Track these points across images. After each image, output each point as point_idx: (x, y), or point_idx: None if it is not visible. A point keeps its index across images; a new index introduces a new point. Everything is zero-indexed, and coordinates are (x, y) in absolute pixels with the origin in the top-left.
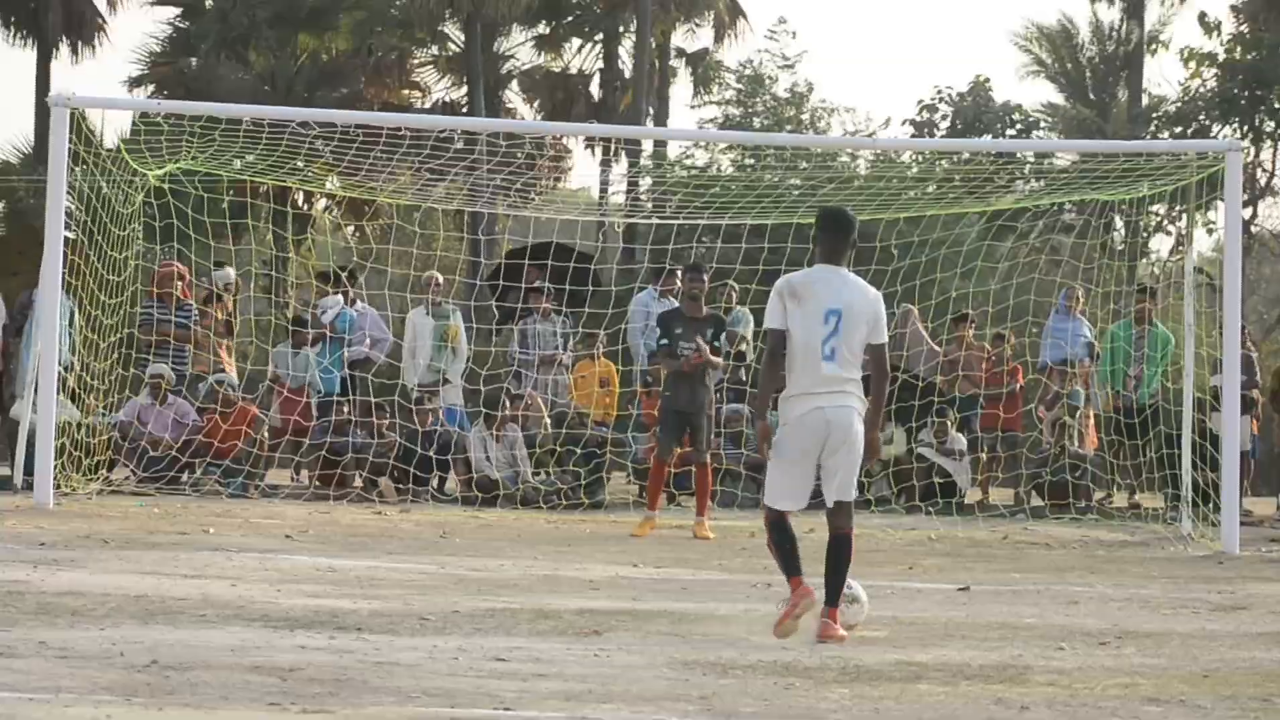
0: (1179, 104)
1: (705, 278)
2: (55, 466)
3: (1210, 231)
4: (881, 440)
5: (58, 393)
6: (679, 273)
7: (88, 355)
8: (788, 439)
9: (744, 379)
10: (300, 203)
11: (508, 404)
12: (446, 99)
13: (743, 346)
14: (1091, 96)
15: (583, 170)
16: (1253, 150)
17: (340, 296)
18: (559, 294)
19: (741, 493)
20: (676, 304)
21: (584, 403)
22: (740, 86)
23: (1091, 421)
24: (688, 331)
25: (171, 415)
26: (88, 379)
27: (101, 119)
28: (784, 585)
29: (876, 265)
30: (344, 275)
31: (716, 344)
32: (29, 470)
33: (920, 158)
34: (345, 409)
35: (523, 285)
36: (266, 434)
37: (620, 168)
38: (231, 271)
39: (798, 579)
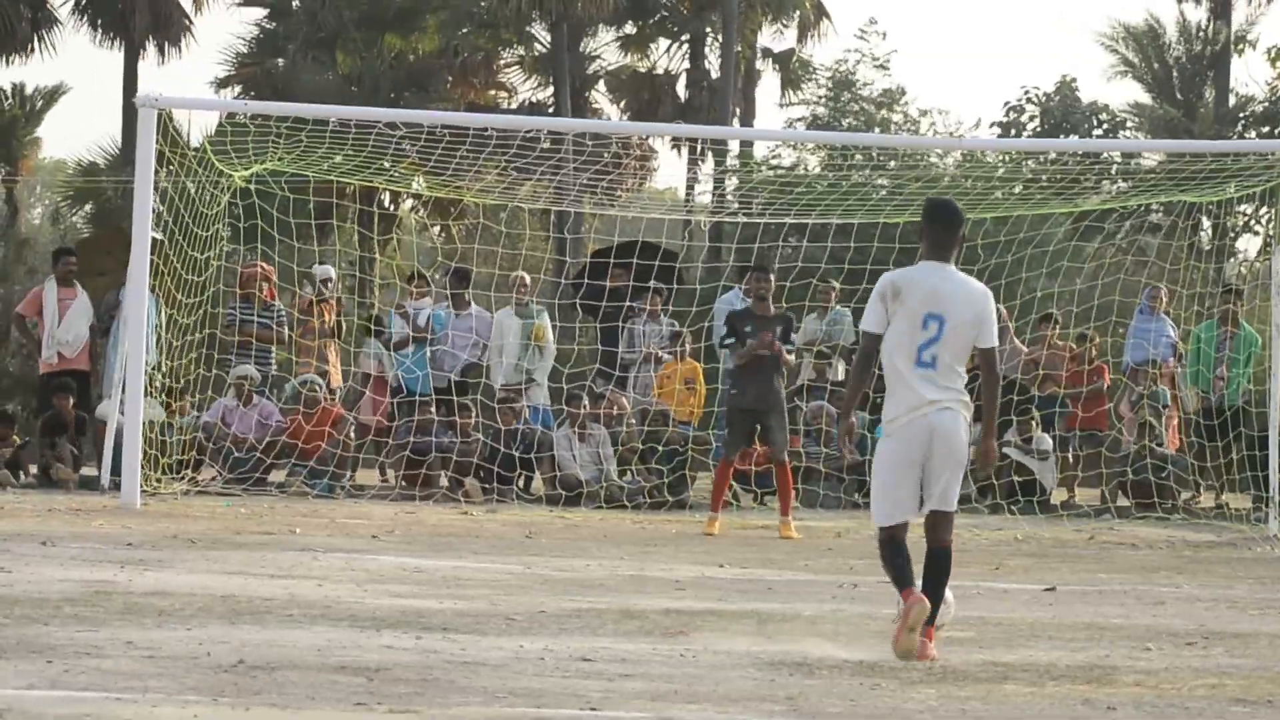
0: (1266, 103)
1: (772, 277)
2: (149, 473)
3: None
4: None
5: (144, 394)
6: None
7: (170, 357)
8: (889, 449)
9: (839, 378)
10: (386, 203)
11: (588, 403)
12: (533, 99)
13: (837, 349)
14: (1178, 96)
15: (669, 170)
16: None
17: (429, 298)
18: (666, 294)
19: (824, 491)
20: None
21: (668, 400)
22: (829, 85)
23: (1175, 422)
24: (756, 331)
25: (256, 416)
26: (169, 381)
27: (188, 120)
28: (872, 586)
29: (964, 265)
30: (445, 276)
31: (788, 344)
32: (115, 470)
33: (1007, 158)
34: (430, 409)
35: (608, 284)
36: (353, 434)
37: (707, 168)
38: (330, 268)
39: (909, 589)
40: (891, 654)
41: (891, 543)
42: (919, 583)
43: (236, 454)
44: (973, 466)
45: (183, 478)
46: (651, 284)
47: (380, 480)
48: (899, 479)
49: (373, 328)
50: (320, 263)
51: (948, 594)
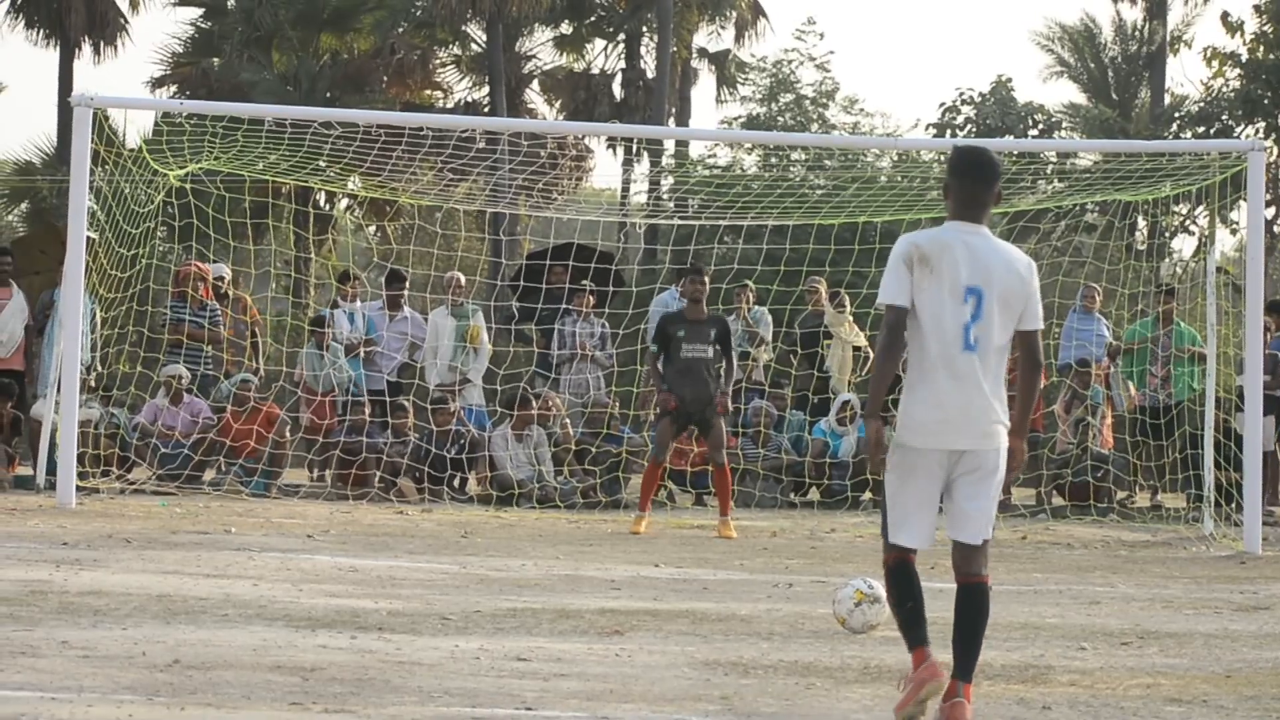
0: (1202, 104)
1: (706, 279)
2: (85, 470)
3: (1233, 231)
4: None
5: (80, 392)
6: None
7: (114, 357)
8: (913, 454)
9: (763, 378)
10: (322, 203)
11: (531, 403)
12: (468, 99)
13: (762, 347)
14: (1114, 96)
15: (605, 170)
16: (1275, 150)
17: (359, 299)
18: (597, 295)
19: (761, 492)
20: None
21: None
22: (766, 81)
23: (1109, 421)
24: (690, 332)
25: (185, 415)
26: (110, 376)
27: (124, 119)
28: (807, 586)
29: None
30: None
31: (723, 346)
32: (51, 470)
33: (943, 157)
34: (365, 409)
35: (545, 285)
36: (288, 433)
37: (642, 168)
38: (224, 266)
39: (922, 651)
40: (827, 655)
41: (902, 570)
42: (932, 649)
43: (164, 449)
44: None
45: (111, 474)
46: (583, 284)
47: (311, 479)
48: (916, 488)
49: (310, 329)
50: (215, 261)
51: (881, 592)
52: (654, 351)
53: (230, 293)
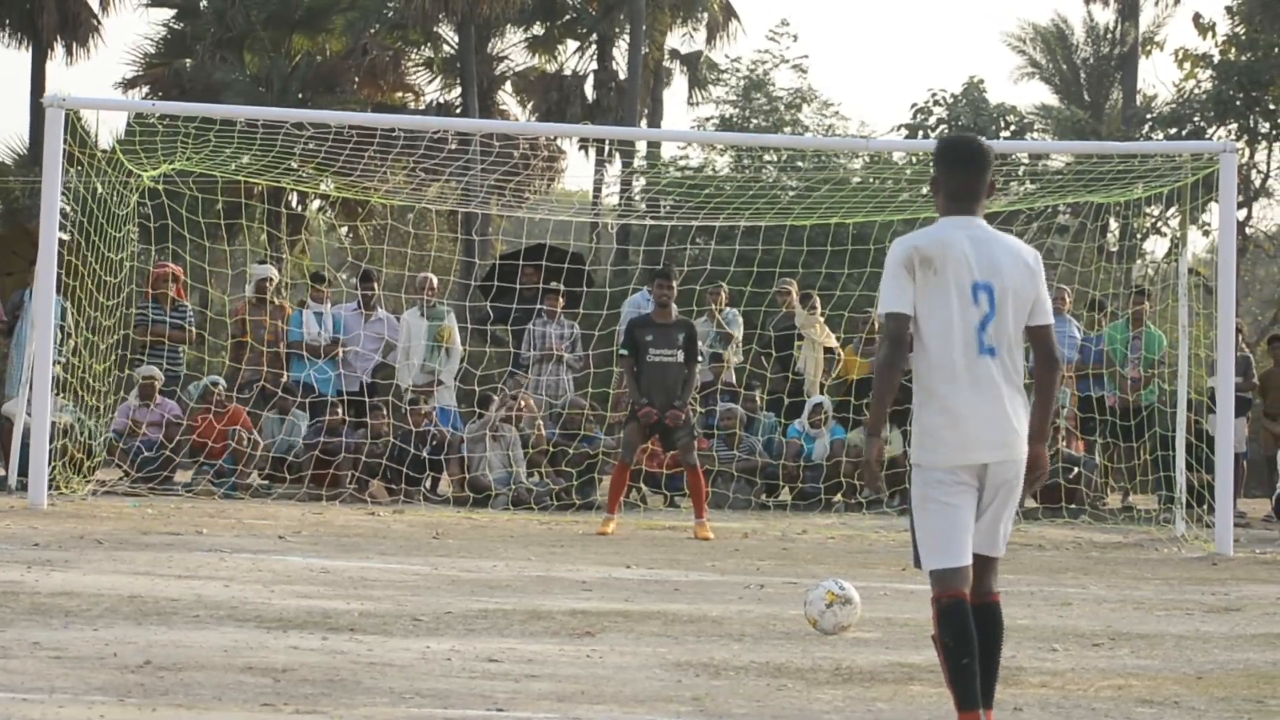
0: (1173, 105)
1: (674, 283)
2: (54, 468)
3: (1205, 233)
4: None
5: (57, 393)
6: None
7: (89, 356)
8: (933, 474)
9: (734, 380)
10: (294, 204)
11: (504, 404)
12: (440, 100)
13: (733, 349)
14: (1086, 98)
15: (577, 172)
16: (1247, 152)
17: (329, 300)
18: (568, 297)
19: (734, 494)
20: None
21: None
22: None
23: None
24: (658, 337)
25: (159, 414)
26: (89, 379)
27: (96, 120)
28: (778, 587)
29: (872, 267)
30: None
31: (692, 351)
32: (23, 471)
33: (915, 159)
34: (339, 410)
35: (518, 286)
36: (259, 434)
37: (615, 169)
38: (270, 268)
39: (973, 715)
40: (799, 656)
41: (956, 612)
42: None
43: (146, 453)
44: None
45: (92, 479)
46: (554, 285)
47: (285, 479)
48: (948, 508)
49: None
50: (261, 262)
51: (853, 594)
52: (626, 356)
53: (274, 300)
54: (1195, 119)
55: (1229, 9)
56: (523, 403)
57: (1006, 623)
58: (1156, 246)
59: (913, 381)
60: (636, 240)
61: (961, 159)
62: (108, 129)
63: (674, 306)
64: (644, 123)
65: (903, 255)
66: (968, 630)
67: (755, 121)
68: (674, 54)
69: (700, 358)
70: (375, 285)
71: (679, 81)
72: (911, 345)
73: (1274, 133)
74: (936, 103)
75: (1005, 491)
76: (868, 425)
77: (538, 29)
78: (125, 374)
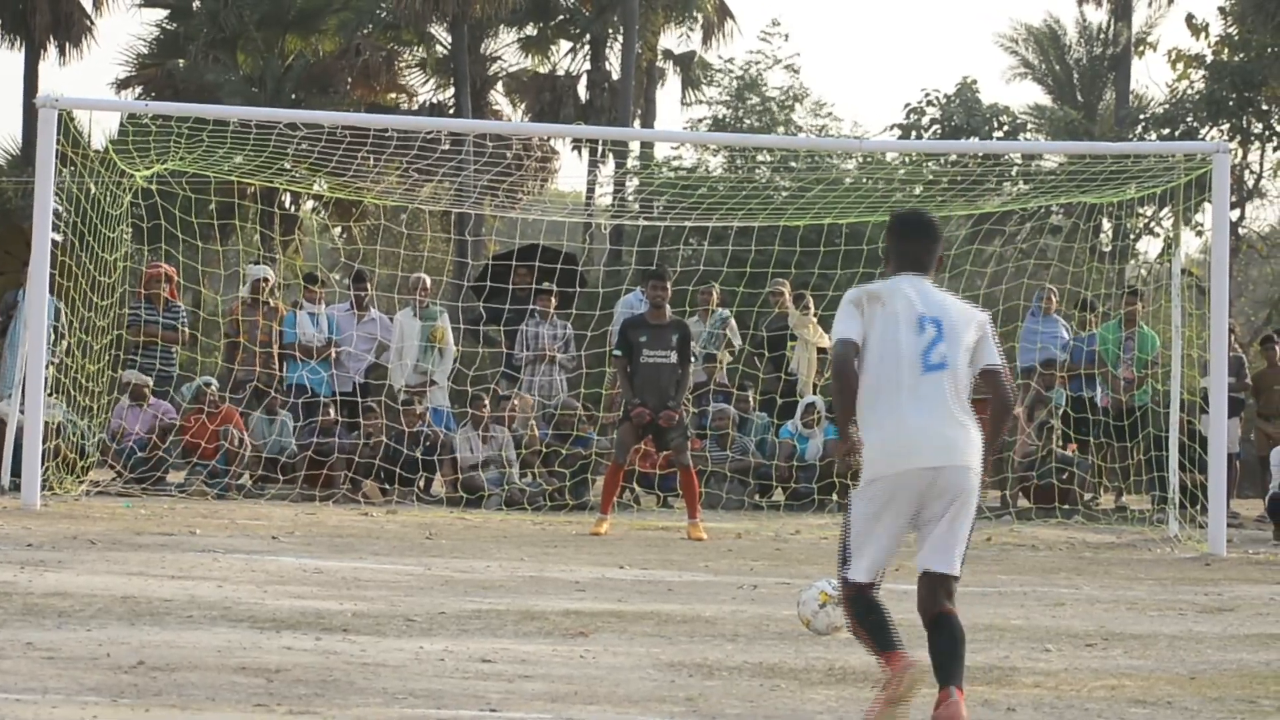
0: (1166, 106)
1: (668, 284)
2: (46, 468)
3: (1198, 233)
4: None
5: (49, 394)
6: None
7: (81, 356)
8: (873, 488)
9: (728, 381)
10: (287, 204)
11: (492, 405)
12: (433, 101)
13: (727, 349)
14: (1079, 98)
15: (570, 172)
16: (1240, 152)
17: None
18: (561, 297)
19: (727, 494)
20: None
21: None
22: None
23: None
24: (652, 338)
25: (153, 415)
26: (81, 380)
27: (89, 120)
28: (772, 588)
29: (864, 268)
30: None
31: (685, 352)
32: (15, 471)
33: (908, 159)
34: (331, 411)
35: (511, 286)
36: (248, 435)
37: (608, 169)
38: (266, 268)
39: (894, 653)
40: (791, 657)
41: (860, 600)
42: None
43: (140, 454)
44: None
45: (85, 479)
46: (546, 285)
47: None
48: (878, 524)
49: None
50: (255, 262)
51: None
52: (618, 356)
53: (269, 300)
54: (1188, 119)
55: (1222, 9)
56: (515, 403)
57: (1000, 623)
58: (1149, 247)
59: (859, 408)
60: (630, 241)
61: (912, 231)
62: (101, 129)
63: (668, 307)
64: (637, 123)
65: (853, 295)
66: (868, 604)
67: (748, 122)
68: (667, 54)
69: (694, 358)
70: (368, 285)
71: (672, 82)
72: (854, 375)
73: (1267, 133)
74: (930, 103)
75: (958, 505)
76: (839, 431)
77: (531, 29)
78: (119, 375)
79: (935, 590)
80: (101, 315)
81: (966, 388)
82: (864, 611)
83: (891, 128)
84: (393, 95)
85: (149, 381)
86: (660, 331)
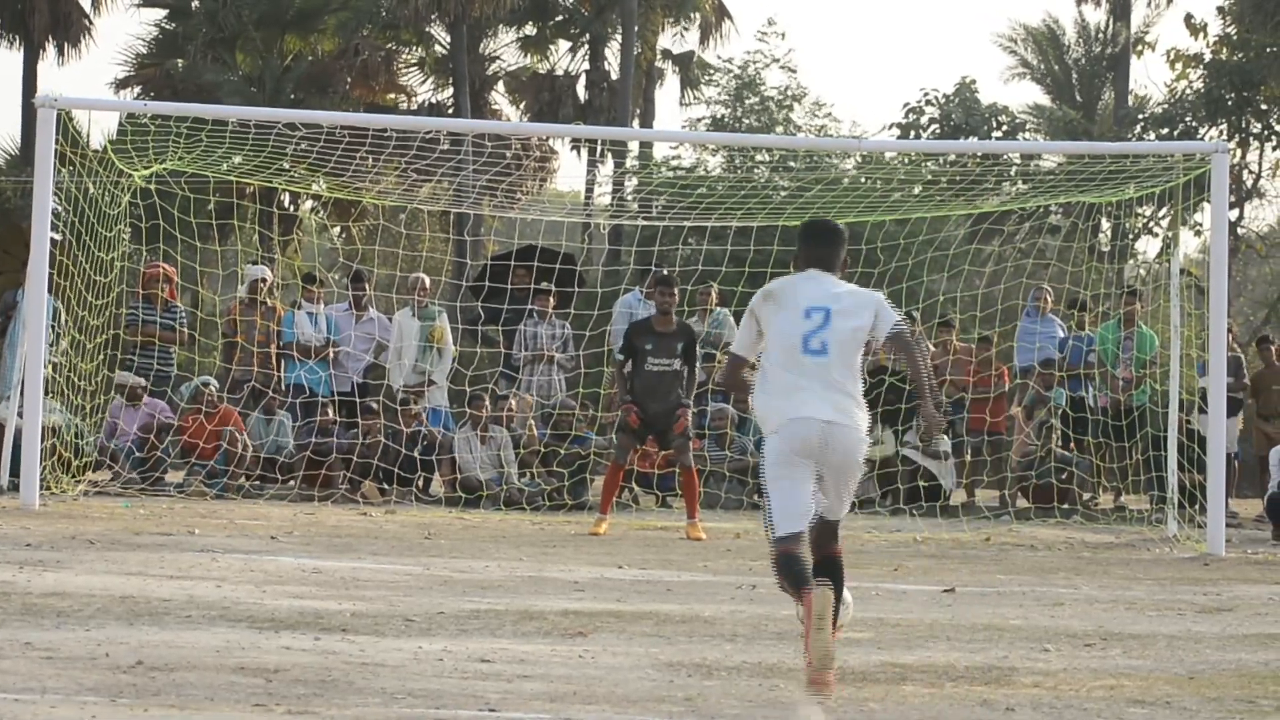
0: (1165, 105)
1: (675, 291)
2: (43, 468)
3: (1197, 233)
4: (871, 441)
5: (45, 394)
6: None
7: (75, 356)
8: (774, 448)
9: (716, 380)
10: (286, 204)
11: (491, 405)
12: (432, 100)
13: (725, 349)
14: (1078, 98)
15: (569, 172)
16: (1239, 152)
17: (321, 301)
18: (559, 297)
19: (726, 494)
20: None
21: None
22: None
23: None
24: (657, 346)
25: (149, 414)
26: (75, 380)
27: (88, 120)
28: (771, 588)
29: (863, 268)
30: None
31: (689, 359)
32: (14, 471)
33: (906, 159)
34: (329, 410)
35: (510, 286)
36: (247, 436)
37: (607, 169)
38: (264, 268)
39: (807, 587)
40: (791, 657)
41: (789, 559)
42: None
43: (138, 454)
44: (922, 436)
45: (83, 479)
46: (544, 285)
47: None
48: (788, 479)
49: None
50: (254, 262)
51: (846, 594)
52: (620, 359)
53: (267, 300)
54: (1187, 119)
55: (1220, 9)
56: (513, 403)
57: (999, 623)
58: (1148, 247)
59: (756, 389)
60: (629, 240)
61: (816, 235)
62: (100, 129)
63: (674, 314)
64: (636, 123)
65: (755, 300)
66: (797, 563)
67: (747, 122)
68: (666, 54)
69: (698, 359)
70: (367, 285)
71: (671, 82)
72: (742, 378)
73: (1266, 133)
74: (929, 102)
75: (847, 467)
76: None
77: (530, 29)
78: (114, 375)
79: (826, 534)
80: (96, 314)
81: (858, 366)
82: (788, 567)
83: (890, 127)
84: (392, 95)
85: (143, 382)
86: (666, 340)
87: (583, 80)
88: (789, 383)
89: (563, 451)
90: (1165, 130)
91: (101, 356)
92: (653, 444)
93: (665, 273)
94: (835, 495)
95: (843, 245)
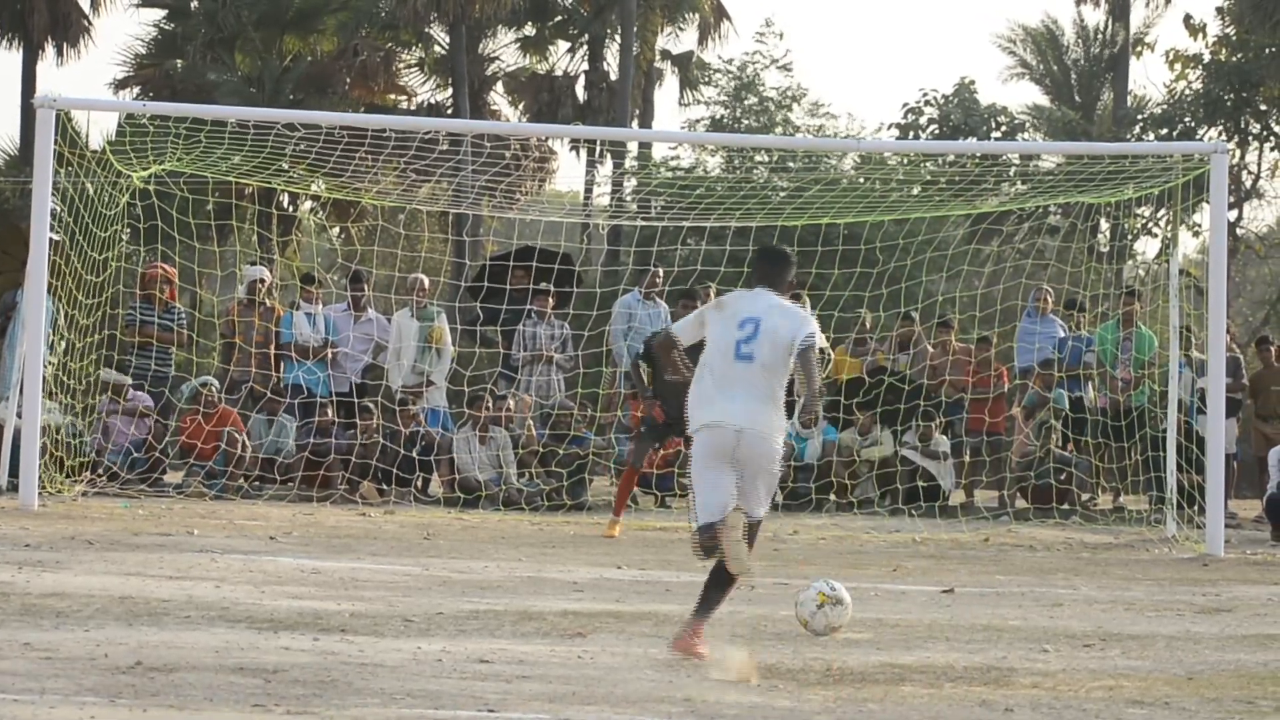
0: (1164, 106)
1: (698, 303)
2: (41, 468)
3: (1195, 234)
4: (869, 442)
5: (42, 395)
6: (656, 277)
7: (65, 355)
8: (697, 449)
9: None
10: (285, 204)
11: (490, 406)
12: (431, 101)
13: None
14: (1077, 98)
15: (568, 172)
16: (1238, 152)
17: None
18: (558, 297)
19: None
20: (658, 304)
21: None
22: (730, 82)
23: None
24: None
25: (133, 407)
26: (66, 379)
27: (87, 120)
28: (769, 588)
29: (862, 268)
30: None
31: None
32: (13, 471)
33: (905, 159)
34: (329, 411)
35: (508, 286)
36: (248, 437)
37: (606, 169)
38: (263, 269)
39: (710, 526)
40: (790, 657)
41: (710, 549)
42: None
43: (136, 454)
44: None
45: (81, 479)
46: (543, 285)
47: (275, 481)
48: (709, 475)
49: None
50: (253, 263)
51: (844, 595)
52: (641, 365)
53: (266, 301)
54: (1186, 120)
55: (1219, 10)
56: (512, 403)
57: (998, 623)
58: (1147, 247)
59: (692, 386)
60: (628, 241)
61: (768, 258)
62: (98, 129)
63: None
64: (635, 123)
65: (709, 305)
66: (716, 549)
67: (746, 122)
68: (665, 54)
69: None
70: (365, 286)
71: (670, 82)
72: (672, 356)
73: (1265, 133)
74: (928, 103)
75: (758, 472)
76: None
77: (529, 30)
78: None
79: (747, 535)
80: (87, 314)
81: (783, 374)
82: (707, 553)
83: (889, 127)
84: (391, 95)
85: (127, 380)
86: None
87: (582, 81)
88: (715, 387)
89: (561, 452)
90: (1164, 131)
91: (93, 356)
92: (671, 445)
93: (691, 286)
94: (751, 496)
95: (790, 268)
